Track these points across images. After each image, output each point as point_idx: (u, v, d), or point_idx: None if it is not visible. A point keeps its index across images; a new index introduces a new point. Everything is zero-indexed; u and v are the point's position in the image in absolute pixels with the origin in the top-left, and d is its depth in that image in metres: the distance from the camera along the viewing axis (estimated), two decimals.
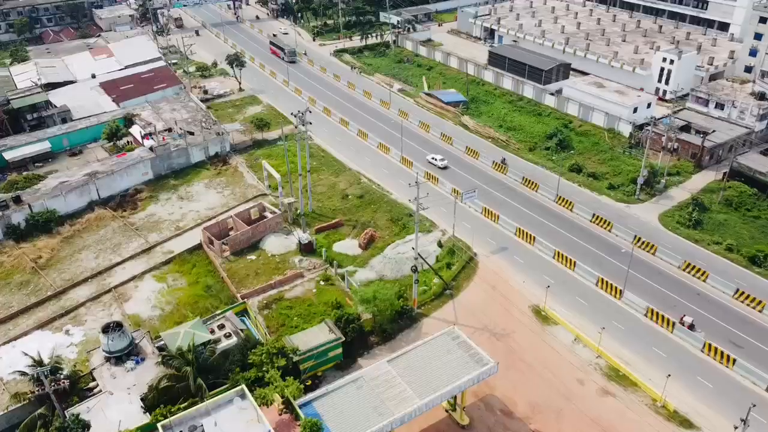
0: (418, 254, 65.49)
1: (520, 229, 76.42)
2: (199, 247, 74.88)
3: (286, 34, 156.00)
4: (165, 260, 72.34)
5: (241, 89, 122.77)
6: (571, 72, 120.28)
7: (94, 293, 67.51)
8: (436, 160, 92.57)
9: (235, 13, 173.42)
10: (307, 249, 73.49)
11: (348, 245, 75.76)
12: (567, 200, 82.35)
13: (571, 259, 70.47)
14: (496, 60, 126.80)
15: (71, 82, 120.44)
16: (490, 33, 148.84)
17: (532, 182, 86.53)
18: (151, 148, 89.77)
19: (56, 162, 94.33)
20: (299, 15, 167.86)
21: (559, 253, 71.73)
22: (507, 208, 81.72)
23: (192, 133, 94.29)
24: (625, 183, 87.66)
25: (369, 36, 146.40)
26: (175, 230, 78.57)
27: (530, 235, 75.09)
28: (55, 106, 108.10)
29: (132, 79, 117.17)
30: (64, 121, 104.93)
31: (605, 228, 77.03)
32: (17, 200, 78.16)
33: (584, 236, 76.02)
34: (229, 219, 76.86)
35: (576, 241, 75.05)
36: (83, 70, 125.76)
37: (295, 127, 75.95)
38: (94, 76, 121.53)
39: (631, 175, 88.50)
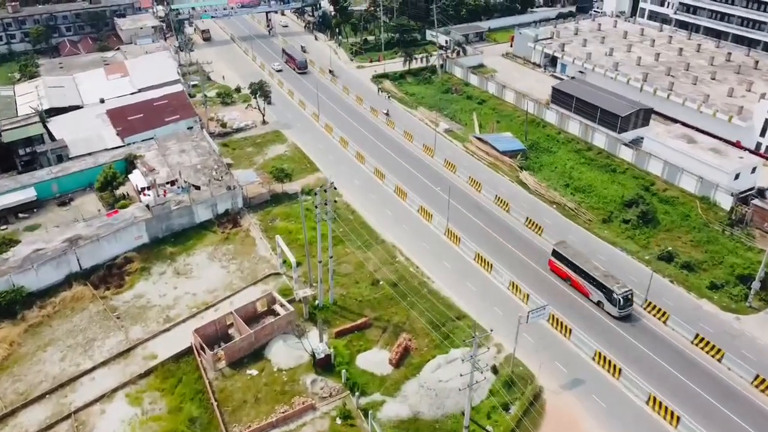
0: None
1: (600, 353, 58.79)
2: (189, 350, 59.68)
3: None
4: (145, 371, 57.32)
5: (264, 122, 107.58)
6: (652, 116, 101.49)
7: (48, 419, 52.91)
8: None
9: (268, 26, 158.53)
10: (323, 364, 57.61)
11: (376, 358, 59.43)
12: (658, 307, 64.29)
13: (672, 412, 52.64)
14: (560, 98, 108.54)
15: (77, 107, 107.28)
16: (552, 60, 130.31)
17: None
18: (148, 206, 75.11)
19: (42, 213, 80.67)
20: (337, 30, 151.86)
21: (654, 398, 53.93)
22: (582, 317, 64.14)
23: (198, 188, 79.38)
24: (730, 281, 69.11)
25: (413, 59, 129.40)
26: (164, 322, 63.59)
27: (614, 365, 57.42)
28: (53, 139, 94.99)
29: (143, 107, 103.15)
30: (59, 158, 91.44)
31: (712, 355, 58.85)
32: None
33: (686, 368, 57.78)
34: (229, 315, 61.46)
35: (677, 376, 57.01)
36: (92, 92, 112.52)
37: (315, 194, 59.94)
38: (102, 101, 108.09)
39: (738, 269, 69.88)
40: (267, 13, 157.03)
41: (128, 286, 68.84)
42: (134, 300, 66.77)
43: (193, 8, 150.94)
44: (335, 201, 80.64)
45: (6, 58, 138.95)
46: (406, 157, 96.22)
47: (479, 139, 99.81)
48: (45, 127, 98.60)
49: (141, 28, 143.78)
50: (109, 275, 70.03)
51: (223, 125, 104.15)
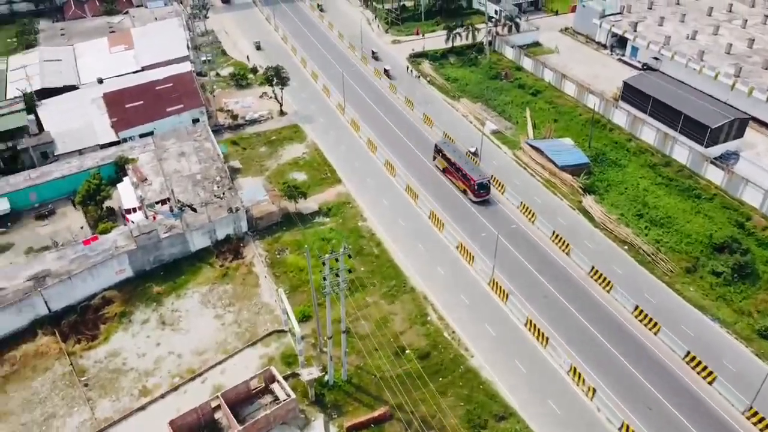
0: None
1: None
2: None
3: None
4: None
5: (282, 112, 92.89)
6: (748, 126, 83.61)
7: None
8: None
9: None
10: None
11: None
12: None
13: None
14: (632, 95, 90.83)
15: (73, 88, 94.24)
16: (620, 41, 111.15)
17: (702, 364, 53.66)
18: (135, 230, 62.40)
19: (17, 227, 69.12)
20: None
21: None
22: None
23: (195, 210, 66.18)
24: None
25: (457, 36, 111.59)
26: (139, 395, 51.84)
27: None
28: (40, 128, 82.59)
29: (143, 92, 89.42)
30: (44, 155, 79.30)
31: None
32: None
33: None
34: (214, 399, 49.22)
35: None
36: (91, 69, 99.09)
37: (324, 263, 46.23)
38: (101, 81, 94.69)
39: None
40: None
41: (103, 338, 57.01)
42: (108, 360, 54.96)
43: None
44: (358, 224, 67.73)
45: (6, 20, 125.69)
46: None
47: (534, 147, 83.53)
48: (34, 112, 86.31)
49: None
50: (82, 321, 58.31)
51: (234, 117, 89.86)
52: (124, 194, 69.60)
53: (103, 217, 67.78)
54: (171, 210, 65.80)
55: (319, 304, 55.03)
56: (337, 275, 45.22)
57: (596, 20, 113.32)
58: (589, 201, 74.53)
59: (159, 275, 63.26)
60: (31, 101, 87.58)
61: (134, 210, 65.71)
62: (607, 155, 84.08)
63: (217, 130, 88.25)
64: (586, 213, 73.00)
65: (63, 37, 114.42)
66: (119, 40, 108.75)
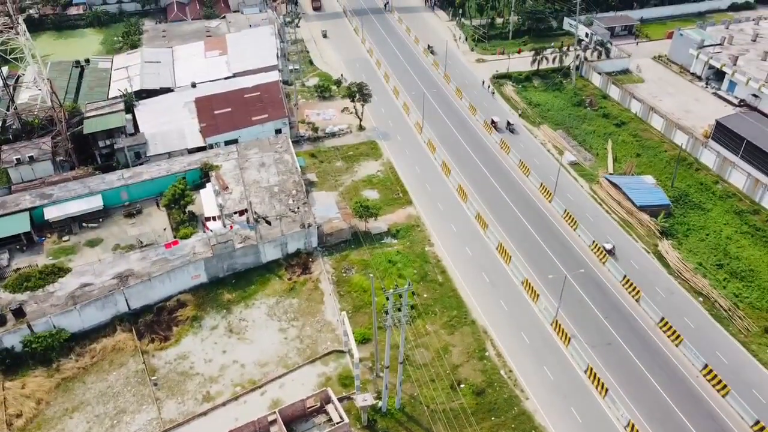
0: None
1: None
2: None
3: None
4: None
5: (361, 127, 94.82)
6: None
7: None
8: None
9: None
10: None
11: None
12: None
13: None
14: (725, 135, 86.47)
15: (168, 90, 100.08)
16: (717, 73, 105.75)
17: None
18: (212, 238, 65.81)
19: (107, 223, 74.26)
20: (460, 11, 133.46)
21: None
22: None
23: (269, 223, 68.91)
24: None
25: (543, 59, 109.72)
26: (203, 400, 54.82)
27: None
28: (136, 127, 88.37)
29: (232, 99, 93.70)
30: (137, 155, 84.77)
31: None
32: (18, 313, 58.49)
33: None
34: (272, 414, 51.30)
35: None
36: (187, 72, 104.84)
37: (387, 298, 47.17)
38: (194, 85, 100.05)
39: None
40: None
41: (174, 340, 60.57)
42: (177, 362, 58.35)
43: None
44: (425, 248, 68.33)
45: (116, 19, 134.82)
46: (518, 199, 79.89)
47: (612, 184, 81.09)
48: (132, 112, 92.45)
49: None
50: (157, 321, 62.20)
51: (315, 129, 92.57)
52: (206, 201, 73.38)
53: (184, 221, 71.80)
54: (248, 221, 68.83)
55: (379, 328, 56.18)
56: (399, 309, 46.07)
57: (693, 51, 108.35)
58: (665, 246, 71.72)
59: (230, 282, 66.41)
60: (130, 101, 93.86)
61: (214, 218, 69.18)
62: (690, 197, 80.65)
63: (298, 140, 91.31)
64: (661, 258, 70.31)
65: (164, 39, 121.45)
66: (214, 45, 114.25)
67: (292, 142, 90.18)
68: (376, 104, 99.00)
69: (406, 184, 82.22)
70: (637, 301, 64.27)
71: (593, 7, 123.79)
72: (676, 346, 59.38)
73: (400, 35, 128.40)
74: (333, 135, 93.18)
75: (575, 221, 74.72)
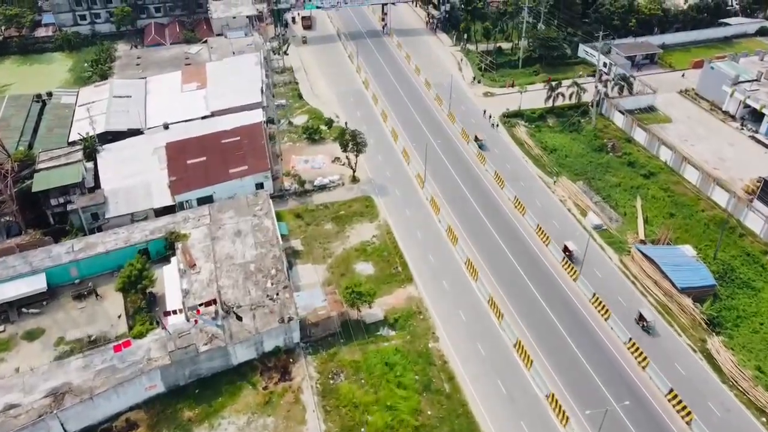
0: None
1: None
2: None
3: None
4: None
5: (354, 178, 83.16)
6: None
7: None
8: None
9: (383, 20, 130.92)
10: None
11: None
12: None
13: None
14: None
15: (137, 132, 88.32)
16: (754, 113, 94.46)
17: None
18: (171, 344, 54.09)
19: (53, 307, 62.69)
20: (465, 36, 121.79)
21: None
22: None
23: (240, 319, 57.24)
24: None
25: (558, 95, 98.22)
26: None
27: None
28: (92, 184, 76.69)
29: (208, 145, 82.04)
30: (94, 217, 73.16)
31: None
32: None
33: None
34: None
35: None
36: (160, 110, 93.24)
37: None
38: (166, 127, 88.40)
39: None
40: (383, 5, 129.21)
41: None
42: None
43: None
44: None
45: (88, 41, 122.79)
46: (538, 278, 67.83)
47: (647, 257, 69.53)
48: (94, 159, 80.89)
49: (234, 18, 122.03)
50: None
51: (301, 183, 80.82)
52: (169, 282, 61.74)
53: (142, 308, 60.12)
54: (215, 314, 57.09)
55: None
56: None
57: (727, 87, 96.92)
58: (715, 343, 60.17)
59: (193, 394, 54.65)
60: (92, 145, 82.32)
61: (175, 312, 57.39)
62: (736, 271, 69.25)
63: (282, 195, 79.79)
64: (711, 359, 58.84)
65: (138, 67, 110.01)
66: (193, 76, 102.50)
67: (276, 196, 79.03)
68: (372, 149, 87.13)
69: (406, 254, 70.54)
70: (688, 424, 52.74)
71: (611, 33, 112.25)
72: None
73: (400, 64, 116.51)
74: (322, 188, 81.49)
75: (606, 310, 63.08)
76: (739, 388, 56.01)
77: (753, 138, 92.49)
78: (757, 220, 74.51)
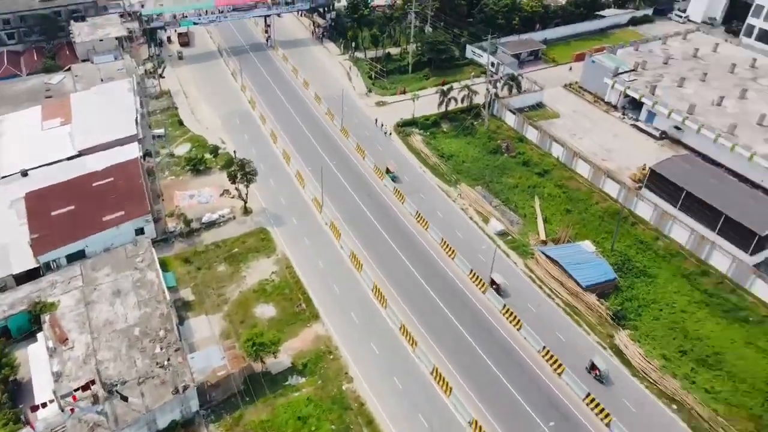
0: None
1: None
2: None
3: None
4: None
5: (246, 210, 77.58)
6: None
7: None
8: None
9: (266, 33, 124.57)
10: None
11: None
12: None
13: None
14: (660, 185, 77.55)
15: None
16: (633, 101, 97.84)
17: None
18: None
19: None
20: (353, 44, 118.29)
21: None
22: None
23: (126, 399, 50.62)
24: None
25: (450, 100, 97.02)
26: None
27: None
28: None
29: (77, 190, 73.50)
30: None
31: None
32: None
33: None
34: None
35: None
36: (16, 154, 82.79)
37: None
38: (25, 174, 78.65)
39: None
40: (266, 17, 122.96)
41: None
42: None
43: (174, 16, 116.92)
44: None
45: None
46: (449, 296, 65.43)
47: (549, 258, 69.26)
48: None
49: (101, 40, 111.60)
50: None
51: (187, 222, 74.17)
52: (36, 363, 53.84)
53: (3, 403, 51.67)
54: (95, 398, 50.09)
55: None
56: None
57: (608, 80, 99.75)
58: (623, 338, 60.68)
59: None
60: None
61: (44, 405, 49.69)
62: (632, 260, 70.80)
63: (166, 239, 72.87)
64: (621, 354, 59.18)
65: None
66: (55, 111, 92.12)
67: (160, 240, 72.03)
68: (263, 175, 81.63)
69: (309, 288, 66.12)
70: (608, 426, 52.33)
71: (494, 31, 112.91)
72: None
73: (287, 78, 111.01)
74: (211, 225, 75.26)
75: (518, 320, 61.96)
76: (650, 379, 56.66)
77: (635, 126, 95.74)
78: (646, 207, 76.61)
